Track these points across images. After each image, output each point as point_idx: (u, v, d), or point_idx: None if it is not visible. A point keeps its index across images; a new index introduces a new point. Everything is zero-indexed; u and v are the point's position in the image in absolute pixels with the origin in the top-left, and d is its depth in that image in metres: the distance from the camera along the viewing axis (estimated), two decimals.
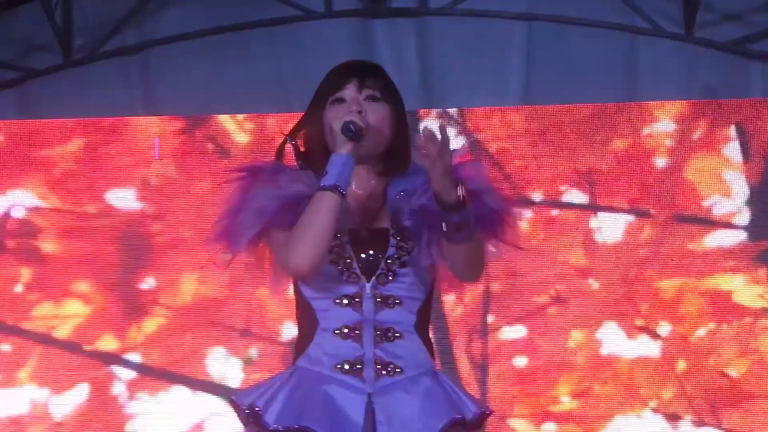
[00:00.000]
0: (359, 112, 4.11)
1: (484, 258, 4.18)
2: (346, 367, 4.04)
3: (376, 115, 4.14)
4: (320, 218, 4.00)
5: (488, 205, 4.10)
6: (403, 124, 4.24)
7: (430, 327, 4.21)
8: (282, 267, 4.14)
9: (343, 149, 4.02)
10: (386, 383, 4.05)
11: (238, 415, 4.08)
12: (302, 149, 4.23)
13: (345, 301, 4.08)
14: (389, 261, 4.09)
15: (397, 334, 4.08)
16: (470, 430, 4.09)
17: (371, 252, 4.11)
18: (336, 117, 4.12)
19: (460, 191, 3.99)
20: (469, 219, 4.03)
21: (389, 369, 4.05)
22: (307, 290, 4.14)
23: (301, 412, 3.99)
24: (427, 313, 4.17)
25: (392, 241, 4.11)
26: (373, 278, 4.09)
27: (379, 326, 4.07)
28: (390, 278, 4.09)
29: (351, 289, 4.08)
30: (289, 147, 4.25)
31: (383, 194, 4.20)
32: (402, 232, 4.11)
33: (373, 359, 4.05)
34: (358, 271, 4.08)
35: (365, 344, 4.06)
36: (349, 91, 4.17)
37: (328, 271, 4.09)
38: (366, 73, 4.23)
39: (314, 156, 4.18)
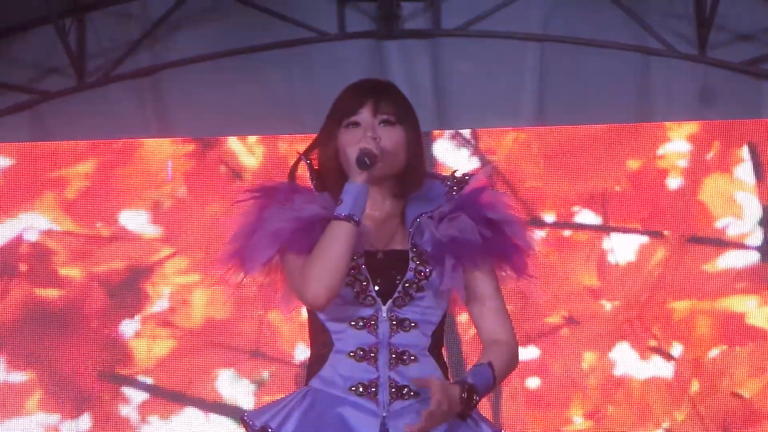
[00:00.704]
0: (374, 139, 4.04)
1: (513, 367, 4.16)
2: (361, 389, 4.00)
3: (391, 140, 4.07)
4: (335, 249, 3.95)
5: (507, 234, 4.08)
6: (418, 144, 4.17)
7: (444, 348, 4.14)
8: (298, 296, 4.09)
9: (358, 178, 3.96)
10: (401, 406, 4.00)
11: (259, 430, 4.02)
12: (316, 168, 4.19)
13: (360, 324, 4.03)
14: (407, 285, 4.04)
15: (412, 357, 4.03)
16: None
17: (389, 275, 4.07)
18: (350, 142, 4.06)
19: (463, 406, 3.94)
20: (485, 389, 4.01)
21: (404, 392, 4.00)
22: (322, 312, 4.10)
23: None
24: (441, 335, 4.11)
25: (411, 264, 4.06)
26: (390, 301, 4.04)
27: (395, 349, 4.03)
28: (407, 301, 4.04)
29: (367, 312, 4.04)
30: (302, 166, 4.19)
31: (401, 215, 4.15)
32: (421, 255, 4.06)
33: (388, 382, 4.00)
34: (374, 294, 4.03)
35: (380, 367, 4.01)
36: (364, 116, 4.09)
37: (345, 294, 4.04)
38: (381, 95, 4.13)
39: (328, 176, 4.13)
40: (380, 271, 4.07)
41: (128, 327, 8.52)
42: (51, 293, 8.55)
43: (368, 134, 4.05)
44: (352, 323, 4.04)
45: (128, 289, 8.48)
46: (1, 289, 8.49)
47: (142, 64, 9.56)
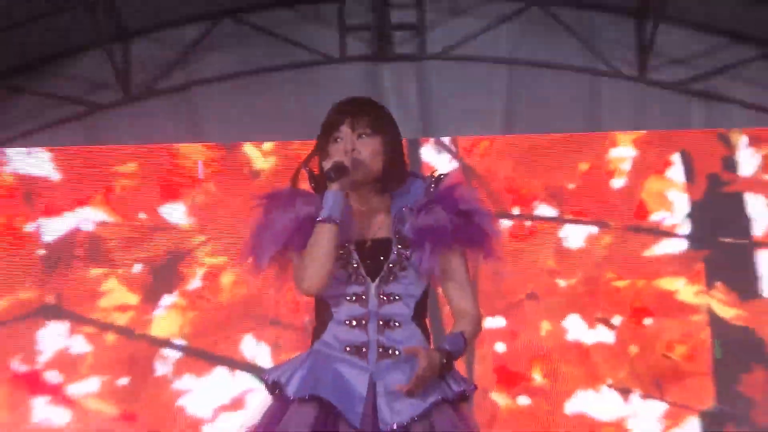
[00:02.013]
0: (351, 150, 4.09)
1: (475, 335, 4.21)
2: (354, 350, 4.08)
3: (367, 150, 4.13)
4: (319, 247, 4.03)
5: (476, 223, 4.14)
6: (396, 148, 4.22)
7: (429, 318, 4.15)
8: (296, 286, 4.16)
9: (332, 186, 4.04)
10: (386, 364, 4.06)
11: (267, 389, 4.14)
12: (315, 174, 4.21)
13: (353, 298, 4.11)
14: (391, 265, 4.11)
15: (396, 324, 4.09)
16: (455, 404, 4.07)
17: (376, 258, 4.13)
18: (335, 153, 4.13)
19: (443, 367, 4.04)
20: (458, 354, 4.10)
21: (389, 352, 4.07)
22: (328, 302, 4.16)
23: (315, 385, 4.03)
24: (423, 305, 4.15)
25: (394, 249, 4.12)
26: (377, 279, 4.11)
27: (382, 317, 4.10)
28: (391, 279, 4.11)
29: (359, 289, 4.12)
30: (304, 172, 4.21)
31: (387, 209, 4.20)
32: (403, 240, 4.11)
33: (376, 345, 4.08)
34: (363, 274, 4.12)
35: (370, 332, 4.09)
36: (344, 132, 4.14)
37: (339, 275, 4.13)
38: (357, 113, 4.19)
39: (323, 181, 4.16)
40: (369, 255, 4.13)
41: (167, 300, 8.61)
42: (101, 272, 8.64)
43: (341, 149, 4.09)
44: (347, 298, 4.11)
45: (167, 270, 8.60)
46: (62, 271, 8.52)
47: (177, 82, 9.73)
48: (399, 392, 4.01)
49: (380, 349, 4.09)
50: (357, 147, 4.15)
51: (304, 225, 4.16)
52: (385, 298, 4.13)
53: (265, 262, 4.16)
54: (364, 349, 4.09)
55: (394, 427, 3.99)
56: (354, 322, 4.11)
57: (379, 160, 4.18)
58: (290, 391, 4.07)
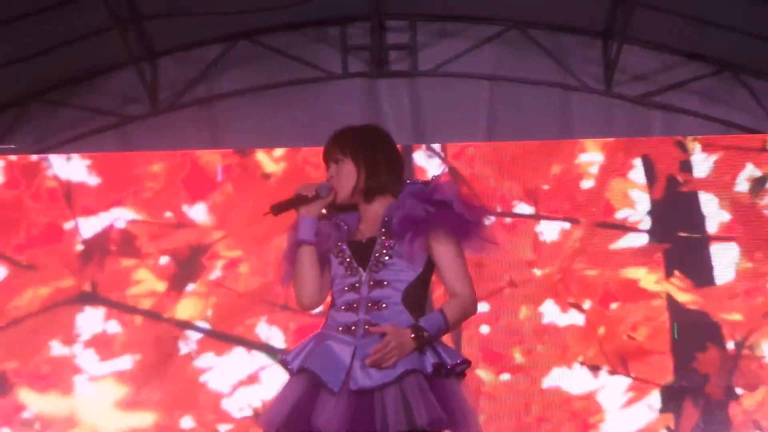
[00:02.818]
0: (330, 178, 4.17)
1: (469, 315, 4.18)
2: (344, 329, 4.07)
3: (342, 172, 4.17)
4: (300, 266, 4.12)
5: (455, 211, 4.05)
6: (371, 162, 4.20)
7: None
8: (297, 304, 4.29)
9: (300, 213, 4.15)
10: (369, 339, 4.02)
11: (282, 365, 4.18)
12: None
13: (349, 288, 4.10)
14: (377, 255, 4.09)
15: (383, 306, 4.06)
16: (432, 375, 3.99)
17: (366, 251, 4.12)
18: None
19: (413, 343, 3.96)
20: (437, 333, 4.01)
21: (372, 329, 4.04)
22: (334, 284, 4.18)
23: (306, 359, 4.06)
24: (416, 289, 4.09)
25: (378, 240, 4.10)
26: (367, 269, 4.10)
27: (371, 300, 4.07)
28: (380, 267, 4.09)
29: (353, 279, 4.11)
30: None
31: (379, 215, 4.17)
32: (389, 233, 4.10)
33: (364, 324, 4.05)
34: (355, 265, 4.12)
35: (360, 313, 4.07)
36: (328, 164, 4.21)
37: (338, 269, 4.15)
38: (329, 146, 4.23)
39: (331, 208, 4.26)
40: (361, 251, 4.13)
41: (191, 287, 8.51)
42: (132, 263, 8.58)
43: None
44: (345, 288, 4.11)
45: (191, 261, 8.50)
46: (98, 263, 8.47)
47: (199, 96, 9.66)
48: (372, 366, 3.99)
49: (366, 326, 4.05)
50: (334, 174, 4.19)
51: (320, 243, 4.21)
52: (374, 284, 4.09)
53: (287, 281, 4.23)
54: (353, 327, 4.07)
55: (362, 387, 3.96)
56: (347, 307, 4.10)
57: (352, 176, 4.18)
58: (294, 366, 4.11)
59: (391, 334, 3.95)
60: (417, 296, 4.11)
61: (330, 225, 4.24)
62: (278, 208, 4.12)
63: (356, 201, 4.23)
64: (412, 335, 3.96)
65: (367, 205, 4.24)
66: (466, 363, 4.06)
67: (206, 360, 8.49)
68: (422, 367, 4.00)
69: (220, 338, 8.53)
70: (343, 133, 4.29)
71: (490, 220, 4.22)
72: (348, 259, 4.15)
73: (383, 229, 4.13)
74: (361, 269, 4.13)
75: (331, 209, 4.25)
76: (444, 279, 4.14)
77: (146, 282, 8.56)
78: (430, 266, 4.12)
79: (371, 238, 4.16)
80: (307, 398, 4.05)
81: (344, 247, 4.17)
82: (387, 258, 4.11)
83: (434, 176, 4.23)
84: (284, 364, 4.17)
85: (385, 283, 4.10)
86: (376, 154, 4.22)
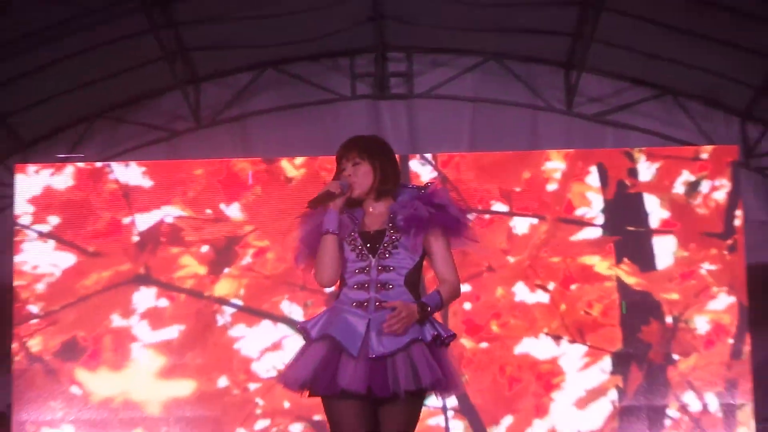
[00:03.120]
0: (348, 176, 4.14)
1: (456, 297, 4.21)
2: (358, 305, 4.08)
3: (359, 173, 4.15)
4: (323, 253, 4.07)
5: (450, 215, 4.11)
6: (383, 166, 4.19)
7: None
8: (316, 281, 4.23)
9: (328, 207, 4.11)
10: (380, 313, 4.03)
11: (299, 334, 4.17)
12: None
13: (359, 270, 4.10)
14: (386, 245, 4.09)
15: (390, 286, 4.07)
16: (431, 345, 4.03)
17: (375, 242, 4.11)
18: (330, 183, 4.19)
19: (417, 314, 3.99)
20: (435, 308, 4.08)
21: (384, 306, 4.04)
22: (345, 268, 4.14)
23: (328, 328, 4.05)
24: (415, 274, 4.12)
25: (387, 233, 4.12)
26: (377, 256, 4.10)
27: (380, 282, 4.07)
28: (387, 256, 4.09)
29: (363, 264, 4.10)
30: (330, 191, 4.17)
31: (387, 210, 4.17)
32: (395, 228, 4.11)
33: (374, 301, 4.06)
34: (366, 253, 4.11)
35: (371, 292, 4.07)
36: (344, 164, 4.16)
37: (350, 255, 4.13)
38: (347, 149, 4.20)
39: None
40: (371, 240, 4.11)
41: (226, 271, 8.43)
42: (178, 251, 8.51)
43: (343, 175, 4.15)
44: (356, 271, 4.10)
45: (227, 251, 8.44)
46: (150, 251, 8.43)
47: (234, 114, 9.73)
48: (388, 332, 3.99)
49: (377, 303, 4.05)
50: (352, 173, 4.16)
51: (315, 221, 4.19)
52: (381, 268, 4.09)
53: (301, 260, 4.19)
54: (365, 304, 4.07)
55: (379, 354, 3.98)
56: (359, 286, 4.09)
57: (369, 177, 4.18)
58: (313, 333, 4.08)
59: (401, 306, 3.98)
60: (414, 279, 4.14)
61: (344, 217, 4.20)
62: (314, 203, 4.10)
63: (366, 198, 4.21)
64: (418, 309, 4.01)
65: (375, 202, 4.22)
66: (454, 336, 4.12)
67: (238, 330, 8.44)
68: (423, 336, 4.02)
69: (250, 313, 8.50)
70: (361, 139, 4.29)
71: (473, 218, 4.30)
72: (360, 247, 4.12)
73: (390, 224, 4.13)
74: (370, 256, 4.11)
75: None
76: (437, 268, 4.17)
77: (190, 266, 8.52)
78: (424, 255, 4.14)
79: (379, 230, 4.15)
80: (329, 361, 4.04)
81: (356, 237, 4.14)
82: (393, 248, 4.10)
83: (428, 182, 4.26)
84: (303, 330, 4.15)
85: (391, 268, 4.09)
86: (388, 162, 4.22)
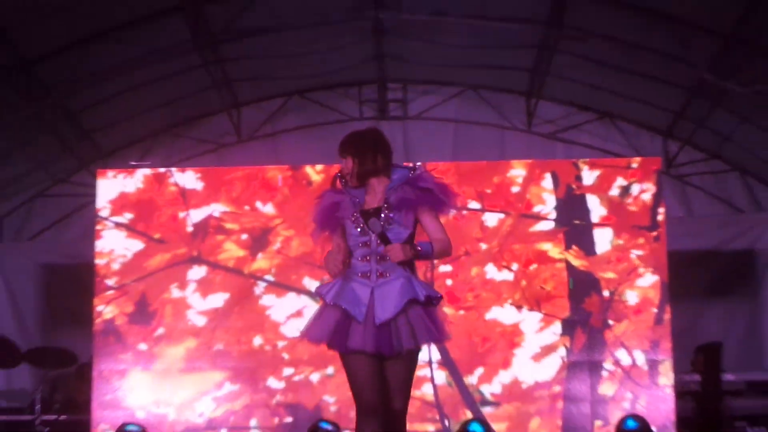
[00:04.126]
0: (341, 169, 4.02)
1: (447, 253, 4.01)
2: (362, 274, 3.91)
3: (347, 166, 4.00)
4: (333, 274, 3.97)
5: (435, 195, 3.95)
6: (366, 159, 3.98)
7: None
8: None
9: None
10: (382, 281, 3.89)
11: (319, 296, 4.01)
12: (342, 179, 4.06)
13: (362, 244, 3.92)
14: (382, 222, 3.90)
15: (388, 258, 3.89)
16: (425, 304, 3.89)
17: (374, 218, 3.92)
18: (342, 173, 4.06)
19: (410, 253, 3.86)
20: (424, 253, 3.91)
21: (385, 275, 3.89)
22: (348, 241, 3.98)
23: (338, 296, 3.89)
24: (408, 244, 3.95)
25: (383, 212, 3.93)
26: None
27: (380, 254, 3.91)
28: (384, 230, 3.90)
29: (365, 238, 3.93)
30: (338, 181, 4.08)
31: (384, 190, 3.97)
32: (390, 208, 3.93)
33: (376, 271, 3.90)
34: (366, 228, 3.92)
35: (372, 264, 3.91)
36: (341, 160, 4.03)
37: (354, 231, 3.95)
38: (341, 146, 4.06)
39: (347, 183, 4.04)
40: (370, 217, 3.92)
41: (260, 254, 8.15)
42: (222, 238, 8.26)
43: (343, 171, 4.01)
44: (360, 244, 3.94)
45: (261, 240, 8.17)
46: (202, 241, 8.17)
47: (267, 131, 9.74)
48: (387, 297, 3.86)
49: (378, 273, 3.91)
50: (343, 166, 4.02)
51: (331, 210, 4.00)
52: (381, 242, 3.91)
53: (317, 235, 4.05)
54: (369, 274, 3.92)
55: (383, 320, 3.85)
56: (362, 258, 3.94)
57: (357, 168, 3.98)
58: (327, 298, 3.93)
59: (398, 244, 3.86)
60: (413, 244, 3.99)
61: (348, 200, 4.00)
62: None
63: (359, 182, 4.00)
64: (410, 248, 3.88)
65: (370, 183, 4.01)
66: (441, 297, 3.99)
67: (269, 300, 8.20)
68: (418, 296, 3.87)
69: (279, 286, 8.24)
70: (346, 138, 4.11)
71: (454, 196, 4.07)
72: (361, 225, 3.94)
73: (385, 205, 3.94)
74: (370, 231, 3.93)
75: (345, 185, 4.04)
76: (429, 234, 4.00)
77: (232, 250, 8.27)
78: (415, 228, 3.98)
79: (376, 208, 3.96)
80: (341, 326, 3.89)
81: (358, 216, 3.95)
82: (388, 224, 3.93)
83: (417, 165, 4.09)
84: (320, 294, 3.99)
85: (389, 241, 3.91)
86: (365, 152, 3.99)
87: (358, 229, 3.96)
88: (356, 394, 3.98)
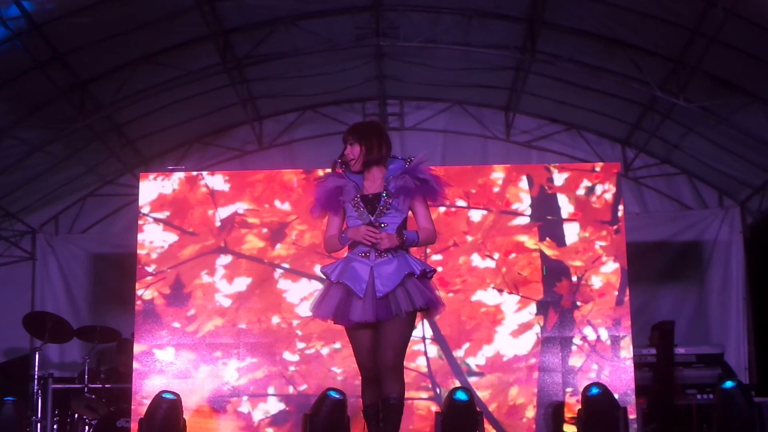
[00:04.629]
0: (348, 154, 3.82)
1: (431, 241, 3.91)
2: (363, 255, 3.78)
3: (353, 152, 3.85)
4: (331, 250, 3.94)
5: (431, 186, 3.84)
6: (369, 146, 3.82)
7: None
8: (324, 248, 3.95)
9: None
10: (380, 261, 3.77)
11: (324, 275, 3.86)
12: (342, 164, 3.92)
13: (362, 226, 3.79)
14: (381, 207, 3.79)
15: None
16: (421, 277, 3.79)
17: (373, 203, 3.81)
18: (348, 157, 3.87)
19: (396, 242, 3.73)
20: (410, 240, 3.77)
21: (382, 255, 3.77)
22: (348, 222, 3.87)
23: (342, 275, 3.79)
24: (402, 227, 3.84)
25: (383, 198, 3.81)
26: (375, 215, 3.80)
27: None
28: (382, 215, 3.80)
29: (365, 221, 3.80)
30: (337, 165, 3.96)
31: (382, 177, 3.85)
32: (389, 195, 3.82)
33: (375, 251, 3.78)
34: (366, 212, 3.80)
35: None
36: (346, 144, 3.87)
37: (354, 213, 3.82)
38: (347, 134, 3.91)
39: (347, 168, 3.91)
40: (370, 203, 3.82)
41: (278, 245, 7.99)
42: (246, 232, 8.12)
43: (347, 156, 3.82)
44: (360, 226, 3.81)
45: (279, 233, 8.02)
46: (228, 234, 8.02)
47: (284, 140, 9.63)
48: (386, 274, 3.73)
49: (376, 253, 3.78)
50: (349, 151, 3.86)
51: (334, 194, 3.86)
52: (378, 224, 3.80)
53: (318, 214, 3.92)
54: (368, 254, 3.79)
55: (383, 294, 3.72)
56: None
57: (362, 156, 3.84)
58: (333, 277, 3.82)
59: (386, 234, 3.74)
60: (402, 231, 3.86)
61: (350, 185, 3.85)
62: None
63: (363, 168, 3.86)
64: (397, 235, 3.77)
65: (370, 170, 3.88)
66: (435, 271, 3.90)
67: (285, 284, 8.03)
68: (414, 270, 3.77)
69: (294, 273, 8.09)
70: (356, 126, 3.96)
71: (447, 187, 3.94)
72: (362, 208, 3.81)
73: (384, 192, 3.81)
74: (369, 215, 3.80)
75: (346, 170, 3.90)
76: (419, 221, 3.88)
77: (253, 242, 8.12)
78: (408, 212, 3.88)
79: (375, 194, 3.82)
80: (343, 302, 3.78)
81: (358, 200, 3.82)
82: (387, 209, 3.81)
83: (411, 157, 3.91)
84: (325, 273, 3.86)
85: (384, 225, 3.80)
86: (374, 141, 3.86)
87: (358, 213, 3.82)
88: (360, 363, 3.88)
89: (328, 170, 9.54)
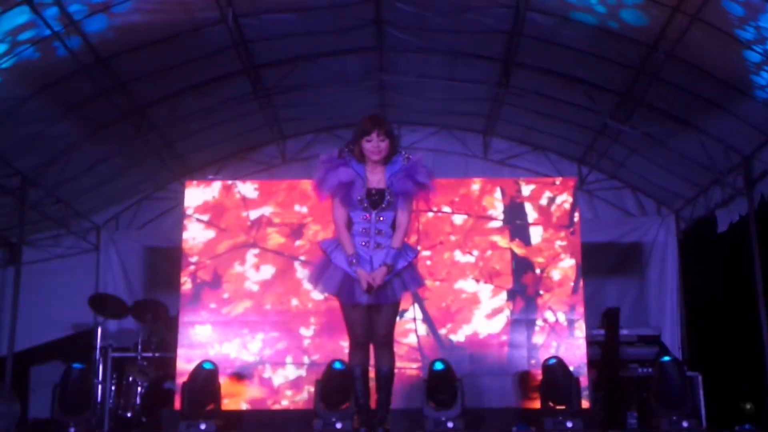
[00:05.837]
0: (378, 146, 3.49)
1: (406, 234, 3.69)
2: (363, 244, 3.64)
3: (382, 147, 3.60)
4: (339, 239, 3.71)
5: (428, 188, 3.66)
6: (392, 144, 3.65)
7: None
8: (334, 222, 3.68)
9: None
10: (377, 251, 3.64)
11: (321, 249, 3.69)
12: (351, 151, 3.68)
13: (362, 219, 3.63)
14: (384, 205, 3.62)
15: (383, 231, 3.65)
16: (414, 265, 3.67)
17: (377, 199, 3.64)
18: (367, 148, 3.53)
19: (387, 273, 3.53)
20: (393, 259, 3.54)
21: (380, 245, 3.64)
22: (351, 216, 3.69)
23: (342, 260, 3.62)
24: (395, 222, 3.67)
25: (386, 195, 3.63)
26: (377, 209, 3.63)
27: (377, 229, 3.65)
28: (384, 210, 3.62)
29: (366, 214, 3.65)
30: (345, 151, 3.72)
31: (383, 173, 3.66)
32: (391, 194, 3.65)
33: (374, 242, 3.64)
34: (369, 207, 3.62)
35: (371, 236, 3.65)
36: (373, 136, 3.55)
37: (358, 206, 3.65)
38: (381, 126, 3.63)
39: (355, 156, 3.68)
40: (372, 198, 3.66)
41: (297, 241, 7.84)
42: (271, 230, 7.97)
43: (372, 149, 3.54)
44: (362, 219, 3.67)
45: (298, 231, 7.87)
46: (257, 232, 7.87)
47: (303, 157, 9.40)
48: (380, 261, 3.57)
49: (375, 243, 3.65)
50: (380, 145, 3.61)
51: (347, 187, 3.62)
52: (377, 219, 3.64)
53: (323, 196, 3.69)
54: (368, 244, 3.65)
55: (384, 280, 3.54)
56: (363, 231, 3.66)
57: (386, 151, 3.63)
58: (332, 258, 3.65)
59: (380, 272, 3.55)
60: (394, 223, 3.68)
61: (360, 181, 3.61)
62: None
63: (376, 162, 3.58)
64: (386, 268, 3.58)
65: (375, 169, 3.66)
66: (419, 251, 3.59)
67: (302, 273, 7.85)
68: (408, 258, 3.67)
69: (309, 264, 7.74)
70: (387, 122, 3.70)
71: (437, 188, 3.73)
72: (365, 203, 3.64)
73: (388, 189, 3.63)
74: (371, 209, 3.63)
75: (351, 157, 3.61)
76: (399, 216, 3.66)
77: (276, 238, 7.97)
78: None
79: (378, 189, 3.61)
80: (346, 283, 3.63)
81: (364, 195, 3.65)
82: (387, 205, 3.66)
83: (409, 155, 3.67)
84: (323, 249, 3.66)
85: (382, 219, 3.65)
86: (395, 140, 3.70)
87: (362, 206, 3.64)
88: (352, 333, 3.77)
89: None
